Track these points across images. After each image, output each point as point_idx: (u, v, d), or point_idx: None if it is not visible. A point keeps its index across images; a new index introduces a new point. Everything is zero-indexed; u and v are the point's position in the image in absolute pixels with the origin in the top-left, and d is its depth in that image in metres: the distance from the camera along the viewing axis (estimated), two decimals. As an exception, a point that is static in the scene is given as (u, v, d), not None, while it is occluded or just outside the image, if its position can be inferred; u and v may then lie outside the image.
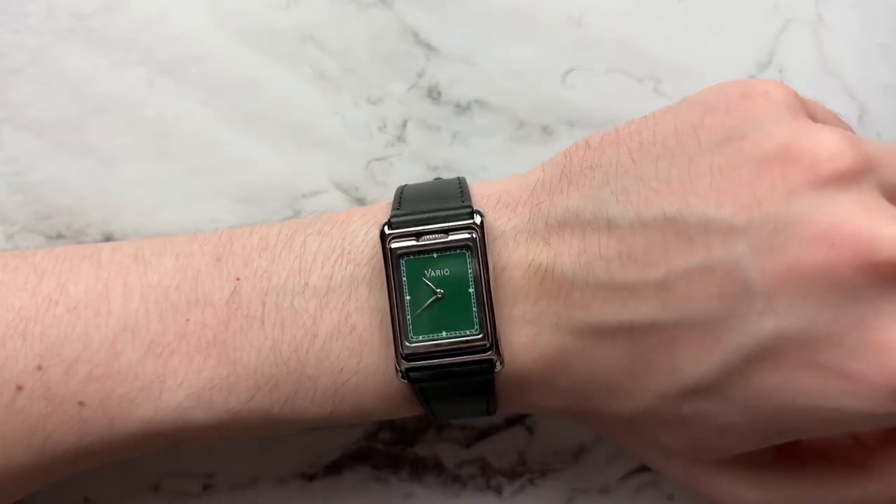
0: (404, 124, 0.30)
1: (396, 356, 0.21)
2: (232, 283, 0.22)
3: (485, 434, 0.30)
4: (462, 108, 0.30)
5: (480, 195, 0.23)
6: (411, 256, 0.21)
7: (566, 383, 0.22)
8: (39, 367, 0.22)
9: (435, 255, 0.21)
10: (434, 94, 0.30)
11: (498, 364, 0.21)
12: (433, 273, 0.21)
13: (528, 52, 0.30)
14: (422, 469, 0.30)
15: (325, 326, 0.22)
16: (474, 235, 0.21)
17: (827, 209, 0.18)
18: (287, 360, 0.22)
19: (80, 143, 0.29)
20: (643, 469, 0.30)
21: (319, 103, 0.30)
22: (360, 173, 0.30)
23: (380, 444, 0.30)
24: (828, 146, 0.19)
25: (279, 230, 0.23)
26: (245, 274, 0.22)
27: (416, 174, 0.30)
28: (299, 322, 0.22)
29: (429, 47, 0.30)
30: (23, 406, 0.21)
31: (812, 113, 0.21)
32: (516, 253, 0.22)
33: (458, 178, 0.24)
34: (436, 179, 0.25)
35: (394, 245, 0.21)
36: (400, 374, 0.22)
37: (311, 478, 0.30)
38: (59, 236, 0.29)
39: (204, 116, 0.29)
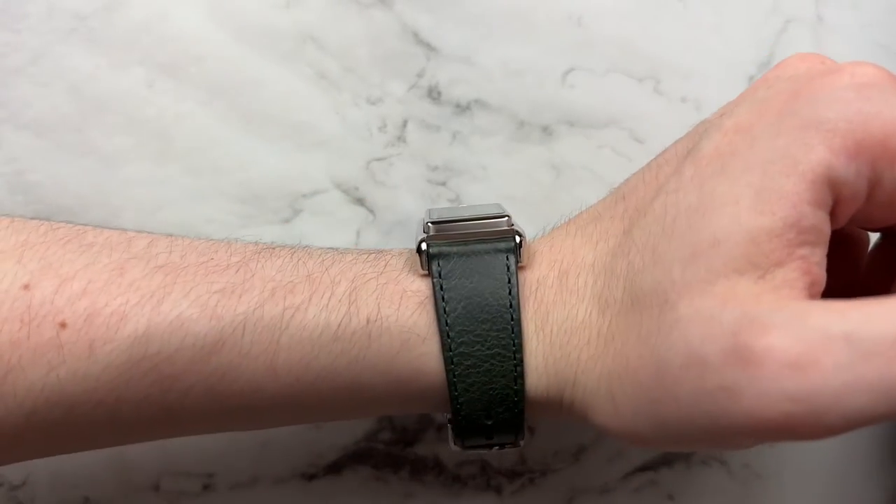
0: (404, 124, 0.30)
1: (417, 236, 0.22)
2: (266, 246, 0.22)
3: (485, 434, 0.30)
4: (462, 108, 0.30)
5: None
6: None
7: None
8: (26, 286, 0.19)
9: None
10: (434, 94, 0.30)
11: (518, 237, 0.22)
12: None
13: (528, 52, 0.30)
14: (422, 469, 0.30)
15: (352, 255, 0.22)
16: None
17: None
18: (309, 269, 0.21)
19: (80, 143, 0.29)
20: (643, 469, 0.30)
21: (319, 103, 0.30)
22: (360, 173, 0.30)
23: (380, 444, 0.30)
24: None
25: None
26: (279, 247, 0.22)
27: (416, 174, 0.30)
28: (328, 253, 0.22)
29: (429, 47, 0.30)
30: None
31: None
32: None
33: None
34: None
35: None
36: (421, 253, 0.21)
37: (311, 478, 0.30)
38: (59, 236, 0.29)
39: (204, 116, 0.29)
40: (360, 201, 0.30)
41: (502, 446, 0.22)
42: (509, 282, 0.21)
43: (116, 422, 0.20)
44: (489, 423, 0.21)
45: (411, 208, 0.30)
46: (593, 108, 0.30)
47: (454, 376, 0.21)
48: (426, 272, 0.21)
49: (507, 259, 0.21)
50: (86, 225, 0.22)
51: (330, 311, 0.21)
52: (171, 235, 0.22)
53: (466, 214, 0.22)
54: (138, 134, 0.29)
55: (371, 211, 0.30)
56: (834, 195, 0.18)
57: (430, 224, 0.22)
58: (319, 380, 0.21)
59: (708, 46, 0.30)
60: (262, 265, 0.21)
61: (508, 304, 0.21)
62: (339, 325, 0.21)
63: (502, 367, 0.21)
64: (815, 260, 0.18)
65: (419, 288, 0.21)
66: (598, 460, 0.30)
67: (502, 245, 0.22)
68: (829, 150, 0.18)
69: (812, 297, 0.18)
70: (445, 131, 0.30)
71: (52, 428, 0.20)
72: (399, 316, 0.21)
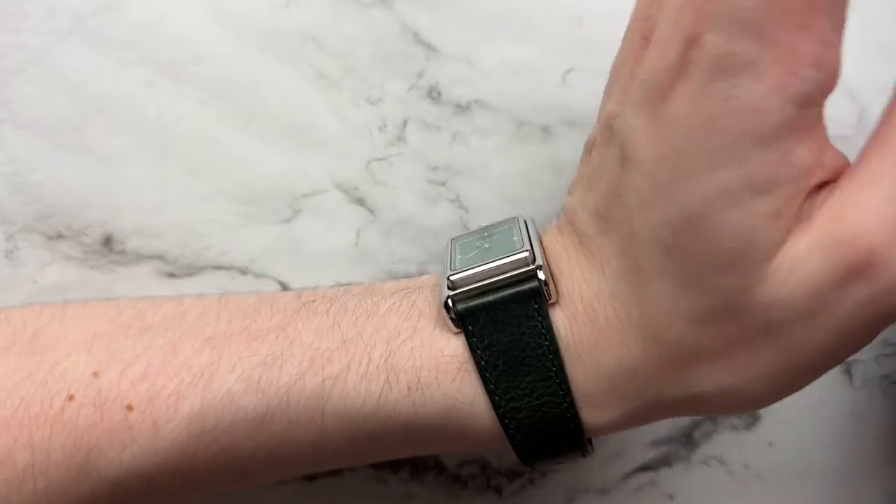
0: (404, 124, 0.30)
1: (445, 297, 0.21)
2: (305, 301, 0.23)
3: (485, 434, 0.30)
4: (462, 108, 0.30)
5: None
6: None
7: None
8: (96, 374, 0.21)
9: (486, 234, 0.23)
10: (434, 94, 0.30)
11: (539, 272, 0.21)
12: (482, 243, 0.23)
13: (528, 52, 0.30)
14: (422, 469, 0.30)
15: (386, 305, 0.22)
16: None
17: None
18: (344, 333, 0.22)
19: (80, 143, 0.29)
20: (643, 469, 0.30)
21: (319, 103, 0.30)
22: (360, 173, 0.30)
23: (380, 444, 0.30)
24: None
25: (358, 285, 0.25)
26: (319, 298, 0.23)
27: (416, 174, 0.30)
28: (362, 307, 0.22)
29: (429, 47, 0.30)
30: (70, 416, 0.21)
31: None
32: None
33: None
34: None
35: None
36: (449, 312, 0.21)
37: (311, 478, 0.30)
38: (59, 236, 0.29)
39: (204, 116, 0.29)
40: (360, 201, 0.30)
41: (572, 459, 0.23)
42: (542, 327, 0.21)
43: (194, 485, 0.22)
44: (553, 453, 0.22)
45: (411, 208, 0.30)
46: (593, 108, 0.30)
47: (510, 430, 0.21)
48: (458, 330, 0.21)
49: (536, 303, 0.21)
50: (145, 298, 0.24)
51: (370, 380, 0.21)
52: (222, 297, 0.23)
53: (488, 258, 0.22)
54: (138, 134, 0.29)
55: (371, 211, 0.30)
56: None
57: (451, 279, 0.21)
58: (373, 440, 0.22)
59: (708, 46, 0.30)
60: (299, 329, 0.22)
61: (546, 351, 0.21)
62: (381, 393, 0.21)
63: (554, 412, 0.21)
64: (829, 154, 0.18)
65: (455, 350, 0.21)
66: (598, 460, 0.30)
67: (527, 289, 0.21)
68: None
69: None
70: (445, 131, 0.30)
71: (139, 496, 0.22)
72: (440, 383, 0.21)
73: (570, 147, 0.30)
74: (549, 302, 0.21)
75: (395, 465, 0.30)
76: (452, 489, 0.30)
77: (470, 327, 0.21)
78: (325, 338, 0.22)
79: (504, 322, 0.21)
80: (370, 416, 0.21)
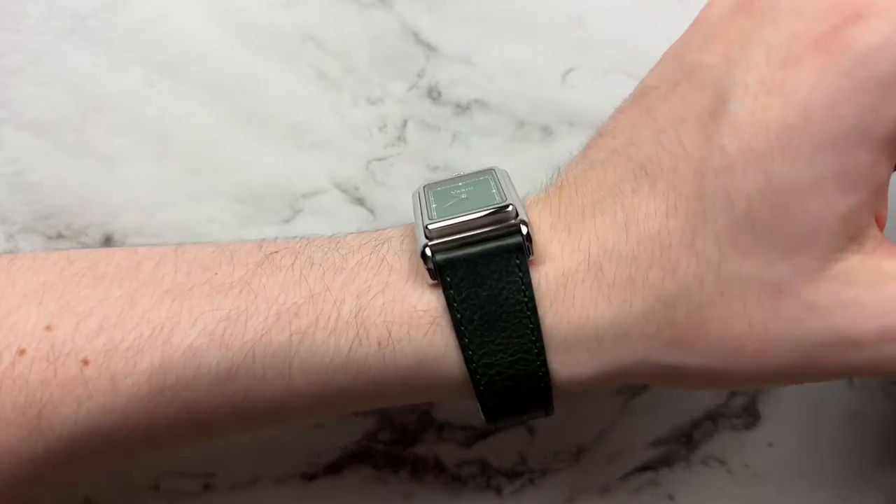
0: (404, 124, 0.30)
1: (419, 240, 0.20)
2: (268, 253, 0.22)
3: (485, 434, 0.30)
4: (462, 108, 0.30)
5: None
6: (436, 187, 0.23)
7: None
8: (48, 327, 0.20)
9: (460, 183, 0.23)
10: (434, 94, 0.30)
11: (523, 227, 0.20)
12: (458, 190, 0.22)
13: (528, 52, 0.30)
14: (422, 469, 0.30)
15: (355, 260, 0.21)
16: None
17: None
18: (312, 287, 0.21)
19: (80, 143, 0.29)
20: (643, 469, 0.30)
21: (319, 103, 0.30)
22: (360, 173, 0.30)
23: (380, 444, 0.30)
24: None
25: (320, 236, 0.23)
26: (282, 249, 0.22)
27: (416, 174, 0.30)
28: (329, 260, 0.21)
29: (429, 47, 0.30)
30: (21, 371, 0.20)
31: None
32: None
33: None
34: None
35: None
36: (426, 260, 0.20)
37: (311, 478, 0.30)
38: (59, 236, 0.29)
39: (204, 116, 0.29)
40: (360, 201, 0.30)
41: (534, 419, 0.23)
42: (522, 283, 0.20)
43: (153, 441, 0.21)
44: (519, 412, 0.22)
45: (411, 208, 0.30)
46: (593, 108, 0.30)
47: (480, 386, 0.21)
48: (434, 282, 0.20)
49: (518, 259, 0.20)
50: (97, 248, 0.23)
51: (339, 335, 0.20)
52: (178, 247, 0.22)
53: (468, 208, 0.21)
54: (138, 134, 0.29)
55: (371, 211, 0.30)
56: None
57: (429, 227, 0.21)
58: (341, 394, 0.21)
59: (708, 46, 0.30)
60: (263, 283, 0.21)
61: (524, 307, 0.20)
62: (350, 348, 0.20)
63: (527, 369, 0.20)
64: (884, 203, 0.19)
65: (428, 304, 0.21)
66: (598, 460, 0.30)
67: (510, 242, 0.20)
68: None
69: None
70: (445, 131, 0.30)
71: (95, 453, 0.21)
72: (411, 338, 0.20)
73: (570, 147, 0.30)
74: (530, 258, 0.20)
75: (395, 465, 0.30)
76: (452, 489, 0.30)
77: (448, 279, 0.20)
78: (291, 292, 0.21)
79: (484, 276, 0.20)
80: (338, 371, 0.21)
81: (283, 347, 0.20)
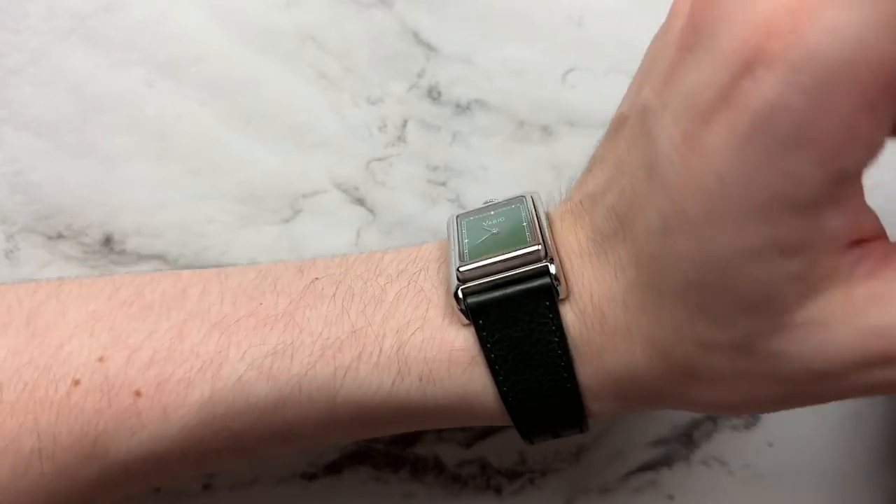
0: (404, 124, 0.30)
1: (452, 280, 0.21)
2: (309, 280, 0.22)
3: (485, 434, 0.30)
4: (462, 108, 0.30)
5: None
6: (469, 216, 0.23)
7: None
8: (101, 359, 0.21)
9: (492, 212, 0.23)
10: (434, 94, 0.30)
11: (551, 266, 0.20)
12: (490, 223, 0.23)
13: (528, 52, 0.30)
14: (422, 469, 0.30)
15: (394, 291, 0.22)
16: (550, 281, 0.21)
17: None
18: (354, 322, 0.22)
19: (80, 143, 0.29)
20: (643, 469, 0.30)
21: (319, 103, 0.30)
22: (360, 173, 0.30)
23: (380, 444, 0.30)
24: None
25: (357, 255, 0.24)
26: (323, 275, 0.23)
27: (416, 174, 0.30)
28: (369, 292, 0.22)
29: (429, 47, 0.30)
30: (76, 402, 0.21)
31: None
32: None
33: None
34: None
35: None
36: (459, 302, 0.21)
37: (311, 478, 0.30)
38: (59, 236, 0.29)
39: (204, 116, 0.29)
40: (360, 201, 0.30)
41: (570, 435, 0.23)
42: (552, 324, 0.20)
43: (201, 465, 0.23)
44: (554, 434, 0.23)
45: (411, 208, 0.30)
46: (593, 108, 0.30)
47: (517, 418, 0.22)
48: (468, 322, 0.21)
49: (548, 301, 0.20)
50: (141, 274, 0.24)
51: (381, 370, 0.21)
52: (220, 272, 0.23)
53: (499, 248, 0.21)
54: (138, 134, 0.29)
55: (371, 211, 0.30)
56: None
57: (461, 270, 0.21)
58: (384, 423, 0.22)
59: (708, 46, 0.30)
60: (307, 316, 0.22)
61: (556, 347, 0.21)
62: (393, 383, 0.21)
63: (561, 401, 0.21)
64: (866, 217, 0.17)
65: (465, 343, 0.21)
66: (598, 460, 0.30)
67: (539, 285, 0.20)
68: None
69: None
70: (445, 131, 0.30)
71: (146, 477, 0.22)
72: (451, 375, 0.21)
73: (570, 147, 0.30)
74: (560, 298, 0.21)
75: (395, 465, 0.30)
76: (452, 489, 0.30)
77: (480, 322, 0.21)
78: (334, 326, 0.22)
79: (515, 318, 0.21)
80: (382, 404, 0.21)
81: (328, 381, 0.21)
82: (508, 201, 0.24)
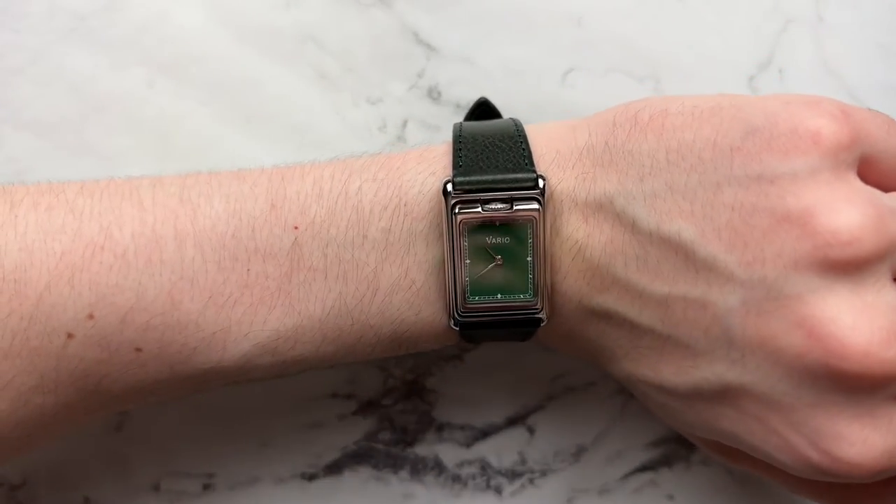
0: (404, 124, 0.30)
1: (452, 313, 0.23)
2: (291, 232, 0.22)
3: (485, 434, 0.30)
4: (462, 108, 0.30)
5: (536, 151, 0.23)
6: (474, 224, 0.22)
7: (580, 344, 0.24)
8: (91, 316, 0.21)
9: (497, 224, 0.22)
10: (434, 94, 0.30)
11: (545, 319, 0.23)
12: (494, 240, 0.22)
13: (527, 52, 0.30)
14: (422, 469, 0.30)
15: (386, 280, 0.22)
16: (538, 207, 0.22)
17: (820, 297, 0.19)
18: (351, 312, 0.22)
19: (80, 143, 0.29)
20: (643, 469, 0.30)
21: (319, 103, 0.30)
22: (360, 173, 0.30)
23: (380, 444, 0.30)
24: (849, 229, 0.19)
25: (332, 174, 0.23)
26: (303, 223, 0.22)
27: (416, 174, 0.30)
28: (361, 275, 0.22)
29: (429, 47, 0.30)
30: (76, 352, 0.21)
31: (867, 152, 0.20)
32: (560, 219, 0.22)
33: (516, 126, 0.24)
34: (491, 120, 0.25)
35: (458, 213, 0.22)
36: (454, 322, 0.23)
37: (311, 478, 0.30)
38: (59, 236, 0.29)
39: (204, 116, 0.29)
40: (360, 201, 0.30)
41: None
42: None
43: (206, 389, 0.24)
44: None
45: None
46: (593, 108, 0.30)
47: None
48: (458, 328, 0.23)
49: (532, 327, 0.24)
50: (101, 180, 0.23)
51: (381, 349, 0.24)
52: (185, 204, 0.22)
53: (497, 293, 0.23)
54: (138, 134, 0.29)
55: (371, 211, 0.30)
56: None
57: (459, 311, 0.23)
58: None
59: (708, 46, 0.30)
60: (303, 299, 0.22)
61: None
62: (380, 353, 0.24)
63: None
64: None
65: (452, 332, 0.24)
66: (598, 460, 0.30)
67: (528, 323, 0.23)
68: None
69: None
70: (445, 131, 0.30)
71: (149, 400, 0.23)
72: (433, 342, 0.24)
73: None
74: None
75: (395, 465, 0.30)
76: (452, 489, 0.30)
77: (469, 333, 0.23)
78: (332, 314, 0.22)
79: (500, 335, 0.24)
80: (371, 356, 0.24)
81: (328, 357, 0.23)
82: (517, 216, 0.22)
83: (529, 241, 0.22)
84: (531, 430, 0.30)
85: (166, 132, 0.29)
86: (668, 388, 0.22)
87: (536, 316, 0.23)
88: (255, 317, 0.22)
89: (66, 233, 0.21)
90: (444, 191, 0.22)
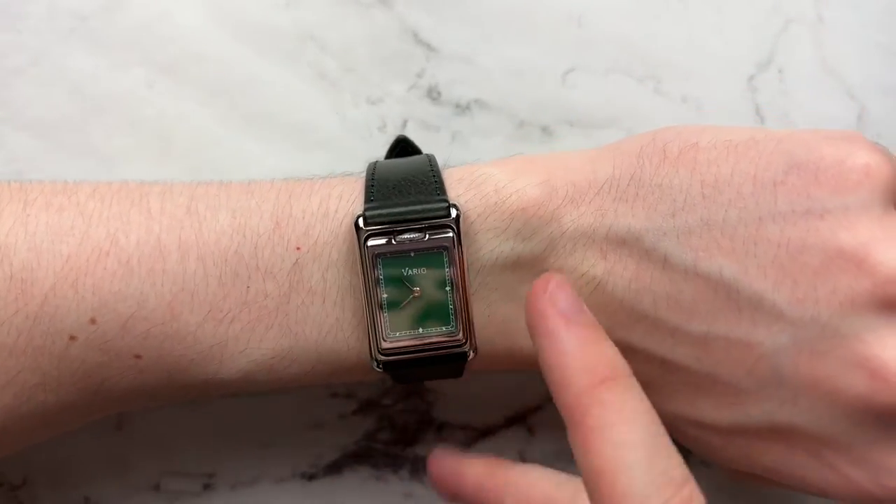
0: (404, 124, 0.30)
1: (373, 352, 0.22)
2: (293, 253, 0.22)
3: (485, 434, 0.30)
4: (462, 108, 0.30)
5: (550, 184, 0.22)
6: (388, 256, 0.22)
7: None
8: (93, 321, 0.21)
9: (412, 255, 0.22)
10: (434, 94, 0.30)
11: (471, 353, 0.22)
12: (410, 272, 0.22)
13: (528, 52, 0.30)
14: (422, 469, 0.30)
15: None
16: (451, 235, 0.21)
17: (880, 336, 0.18)
18: (348, 339, 0.22)
19: (80, 143, 0.29)
20: (643, 469, 0.30)
21: (319, 103, 0.30)
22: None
23: (380, 444, 0.30)
24: None
25: (340, 193, 0.23)
26: (306, 245, 0.22)
27: (416, 174, 0.30)
28: (358, 303, 0.22)
29: (429, 47, 0.30)
30: (77, 354, 0.21)
31: None
32: (572, 258, 0.22)
33: (429, 159, 0.24)
34: (406, 157, 0.25)
35: (370, 243, 0.21)
36: (376, 364, 0.22)
37: (311, 478, 0.30)
38: (60, 236, 0.29)
39: (204, 116, 0.29)
40: (360, 201, 0.30)
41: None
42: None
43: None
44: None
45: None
46: (593, 108, 0.30)
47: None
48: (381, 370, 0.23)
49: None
50: (114, 183, 0.23)
51: (351, 375, 0.24)
52: (192, 215, 0.22)
53: (418, 327, 0.22)
54: (138, 134, 0.29)
55: (371, 211, 0.30)
56: None
57: (380, 351, 0.22)
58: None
59: (708, 46, 0.30)
60: (300, 321, 0.22)
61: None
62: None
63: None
64: None
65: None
66: (598, 460, 0.30)
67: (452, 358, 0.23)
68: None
69: None
70: (445, 131, 0.30)
71: (148, 403, 0.24)
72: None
73: (570, 147, 0.30)
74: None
75: (395, 465, 0.30)
76: (452, 489, 0.30)
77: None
78: (329, 339, 0.23)
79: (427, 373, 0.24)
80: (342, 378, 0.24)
81: (320, 377, 0.23)
82: (429, 247, 0.22)
83: (447, 270, 0.21)
84: (531, 430, 0.30)
85: (166, 132, 0.29)
86: (706, 423, 0.21)
87: (461, 350, 0.22)
88: (252, 334, 0.22)
89: (74, 236, 0.22)
90: (357, 226, 0.21)
